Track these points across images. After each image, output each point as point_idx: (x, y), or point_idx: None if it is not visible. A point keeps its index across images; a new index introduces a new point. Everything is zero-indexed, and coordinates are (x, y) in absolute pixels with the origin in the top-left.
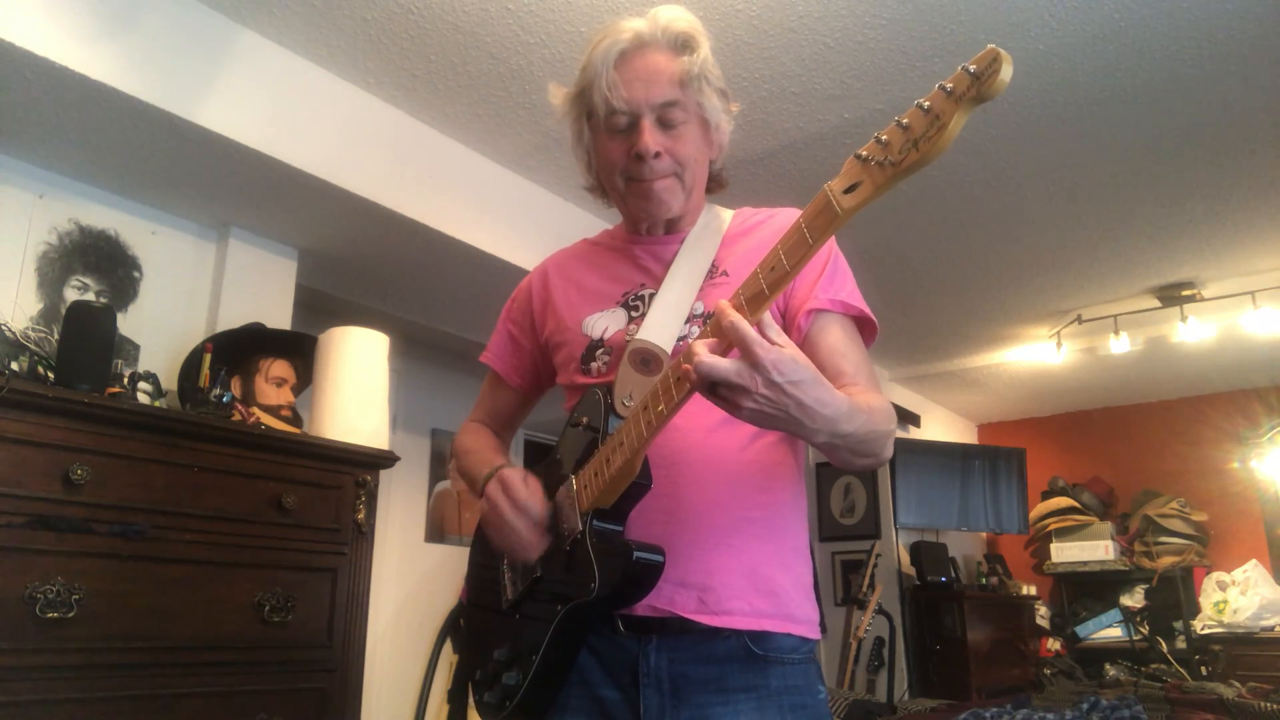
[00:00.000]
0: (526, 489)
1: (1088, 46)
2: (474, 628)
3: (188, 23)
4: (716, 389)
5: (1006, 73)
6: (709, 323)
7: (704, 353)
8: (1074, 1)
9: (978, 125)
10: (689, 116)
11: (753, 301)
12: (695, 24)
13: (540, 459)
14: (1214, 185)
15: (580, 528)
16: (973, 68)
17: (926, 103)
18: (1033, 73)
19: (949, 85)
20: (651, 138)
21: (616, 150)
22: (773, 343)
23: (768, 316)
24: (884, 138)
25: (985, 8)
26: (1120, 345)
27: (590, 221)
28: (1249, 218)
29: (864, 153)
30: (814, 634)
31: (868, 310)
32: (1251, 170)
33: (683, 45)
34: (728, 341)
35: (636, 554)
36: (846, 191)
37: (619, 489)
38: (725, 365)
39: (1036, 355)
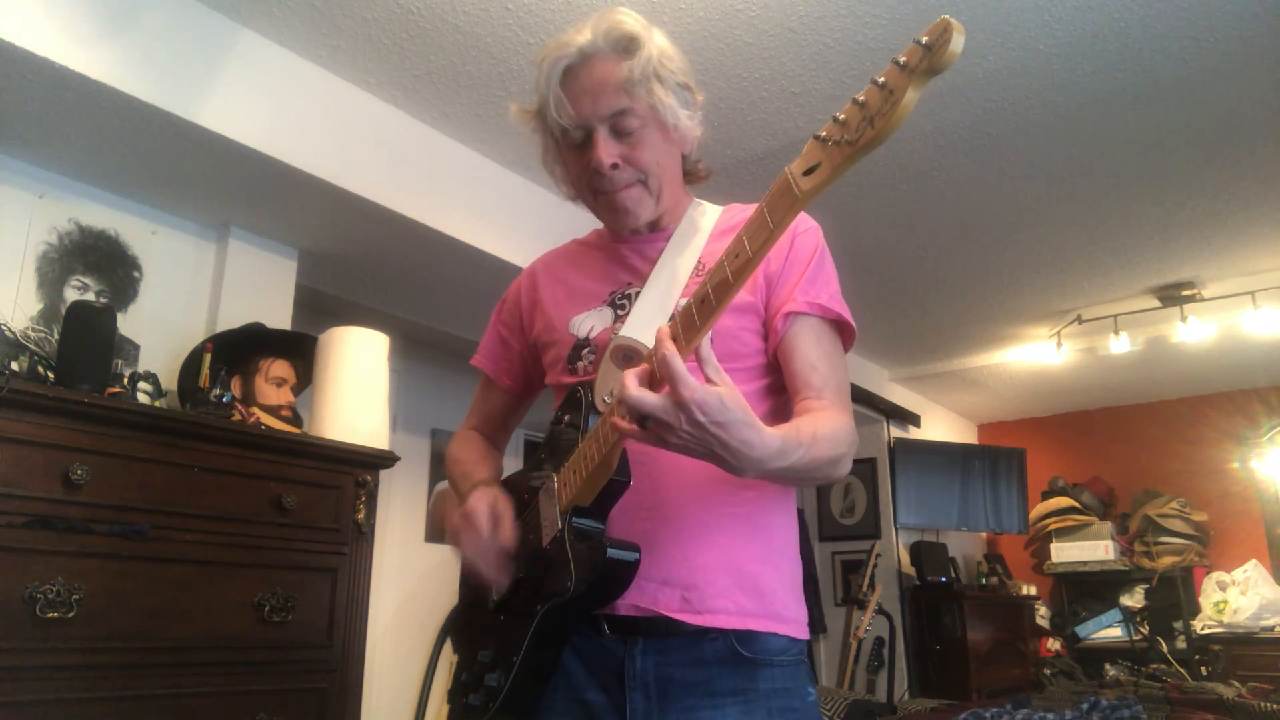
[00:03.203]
0: (490, 523)
1: (1088, 46)
2: (464, 630)
3: (188, 23)
4: (644, 422)
5: (958, 43)
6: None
7: (633, 386)
8: (1074, 1)
9: (978, 125)
10: (645, 121)
11: (718, 289)
12: (638, 24)
13: (528, 458)
14: (1214, 185)
15: (560, 526)
16: (924, 39)
17: (881, 78)
18: (1033, 73)
19: (902, 59)
20: (605, 151)
21: (578, 165)
22: (708, 379)
23: (707, 350)
24: (842, 117)
25: (985, 8)
26: (1120, 345)
27: (590, 221)
28: (1249, 218)
29: (823, 133)
30: (802, 634)
31: (847, 315)
32: (1251, 170)
33: (626, 48)
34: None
35: (610, 551)
36: (806, 173)
37: (597, 485)
38: (651, 401)
39: (1036, 355)
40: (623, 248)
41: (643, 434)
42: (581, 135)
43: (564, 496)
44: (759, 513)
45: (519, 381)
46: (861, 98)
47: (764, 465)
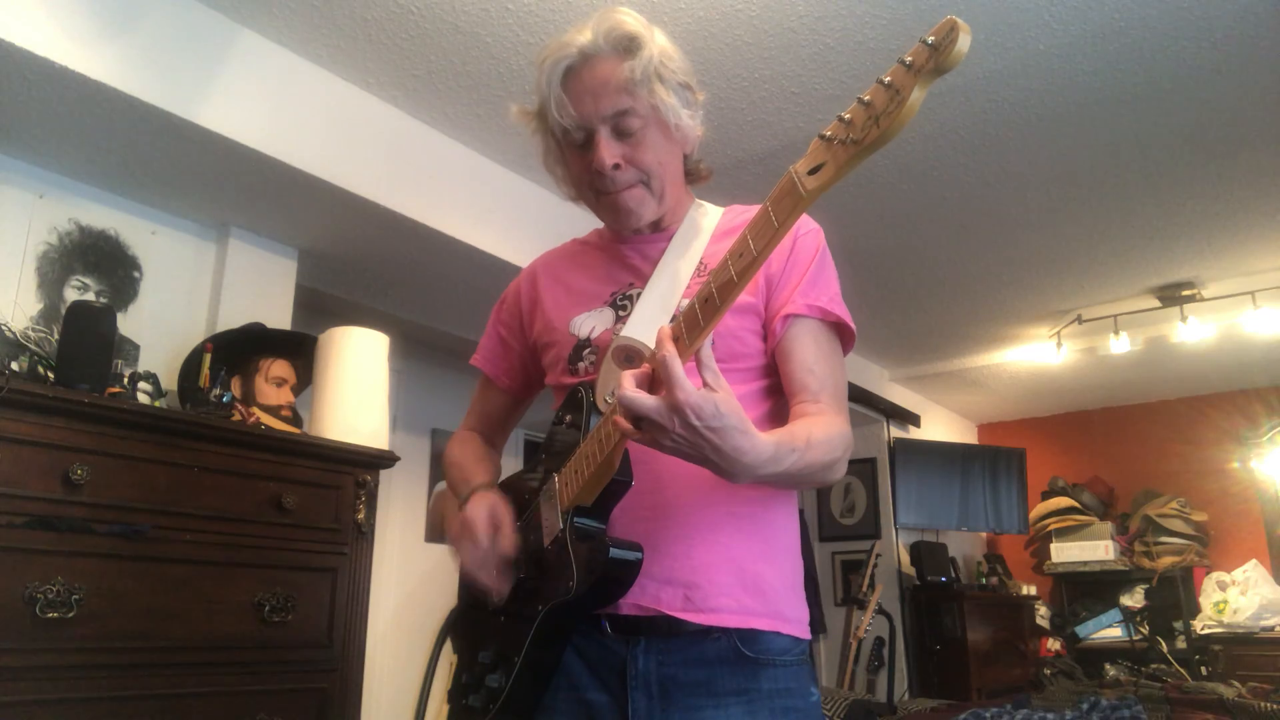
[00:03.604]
0: (489, 531)
1: (1088, 46)
2: (464, 631)
3: (188, 23)
4: (639, 423)
5: (964, 42)
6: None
7: (629, 386)
8: (1074, 1)
9: (978, 125)
10: (646, 121)
11: (723, 289)
12: (638, 23)
13: (528, 458)
14: (1214, 185)
15: (561, 526)
16: (930, 39)
17: (887, 78)
18: (1033, 73)
19: (908, 59)
20: (608, 151)
21: (579, 165)
22: (706, 384)
23: (707, 354)
24: (847, 116)
25: (985, 8)
26: (1120, 345)
27: (591, 221)
28: (1249, 218)
29: (828, 132)
30: (804, 634)
31: (847, 317)
32: (1251, 170)
33: (627, 48)
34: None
35: (612, 551)
36: (811, 172)
37: (599, 485)
38: (646, 403)
39: (1036, 355)
40: (624, 248)
41: (637, 435)
42: (583, 136)
43: (565, 497)
44: (761, 512)
45: (518, 382)
46: (867, 97)
47: (756, 471)
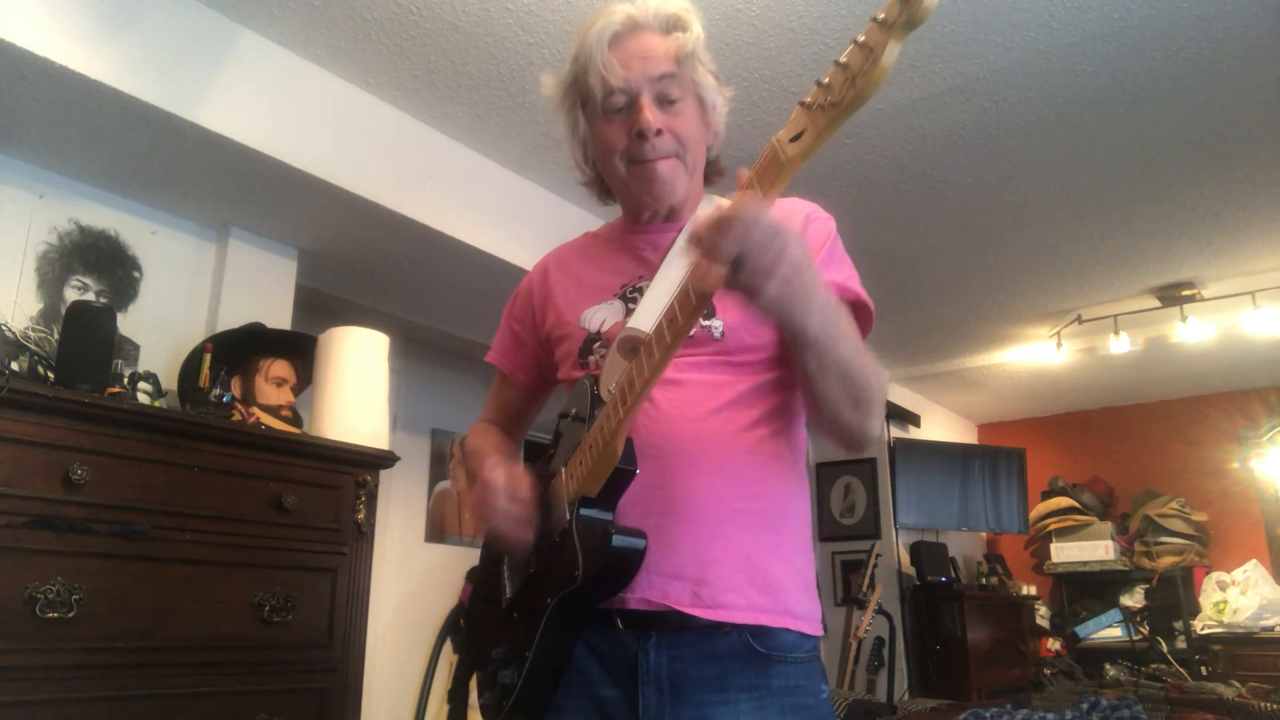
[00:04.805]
0: (508, 482)
1: (1088, 46)
2: (476, 628)
3: (188, 23)
4: (699, 241)
5: None
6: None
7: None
8: (1074, 1)
9: (978, 125)
10: (686, 93)
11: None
12: (685, 4)
13: (538, 455)
14: (1214, 185)
15: (568, 517)
16: None
17: (861, 37)
18: (1033, 73)
19: (880, 15)
20: (652, 114)
21: (616, 133)
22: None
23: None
24: (825, 80)
25: (985, 8)
26: (1120, 345)
27: (590, 221)
28: (1249, 218)
29: (808, 99)
30: (816, 630)
31: (864, 295)
32: (1251, 170)
33: (674, 24)
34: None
35: (615, 538)
36: (793, 140)
37: (602, 475)
38: (703, 216)
39: (1036, 355)
40: (635, 238)
41: (731, 280)
42: (624, 100)
43: (571, 488)
44: (771, 509)
45: (533, 376)
46: (844, 59)
47: (826, 315)
